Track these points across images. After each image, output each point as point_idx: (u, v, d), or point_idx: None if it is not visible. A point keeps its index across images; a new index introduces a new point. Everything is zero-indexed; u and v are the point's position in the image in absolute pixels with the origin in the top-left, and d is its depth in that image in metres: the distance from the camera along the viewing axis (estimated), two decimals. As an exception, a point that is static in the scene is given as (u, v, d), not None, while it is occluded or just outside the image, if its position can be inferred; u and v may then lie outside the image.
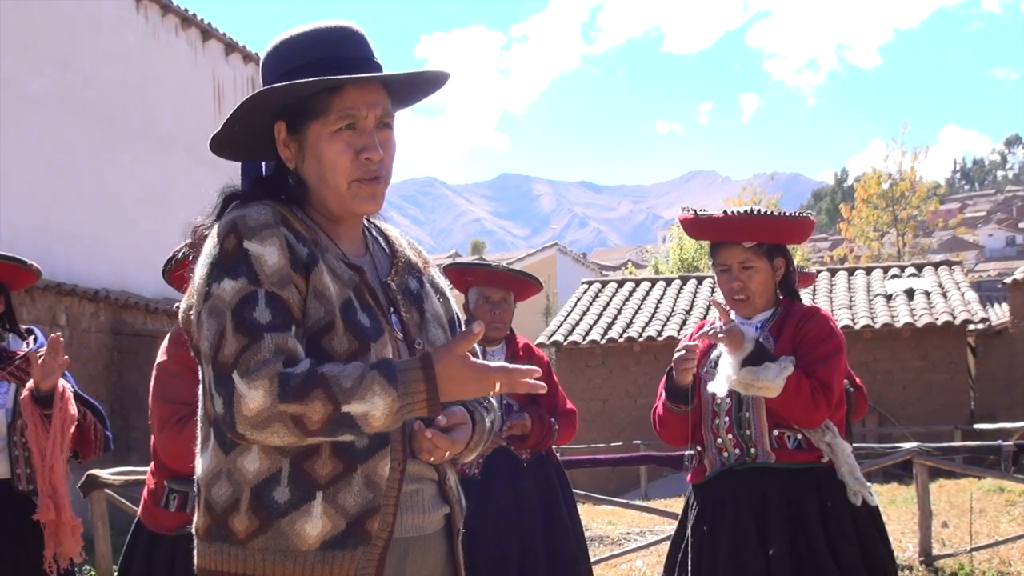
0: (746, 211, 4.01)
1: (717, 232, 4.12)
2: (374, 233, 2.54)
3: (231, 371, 2.11)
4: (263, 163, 2.49)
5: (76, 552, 4.67)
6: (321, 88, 2.29)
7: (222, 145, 2.42)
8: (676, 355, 4.04)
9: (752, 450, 3.97)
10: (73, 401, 4.61)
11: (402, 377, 2.14)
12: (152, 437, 4.24)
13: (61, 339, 4.50)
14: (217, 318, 2.16)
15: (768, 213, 4.01)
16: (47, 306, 13.82)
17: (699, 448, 4.15)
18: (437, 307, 2.51)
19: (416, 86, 2.46)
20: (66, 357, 4.50)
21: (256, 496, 2.20)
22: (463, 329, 2.56)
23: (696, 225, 4.15)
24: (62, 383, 4.55)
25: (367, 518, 2.21)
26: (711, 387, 3.97)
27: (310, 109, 2.31)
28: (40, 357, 4.47)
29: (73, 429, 4.59)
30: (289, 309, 2.19)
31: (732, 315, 4.08)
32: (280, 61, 2.35)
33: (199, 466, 2.32)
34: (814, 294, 20.99)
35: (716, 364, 4.07)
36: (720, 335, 3.88)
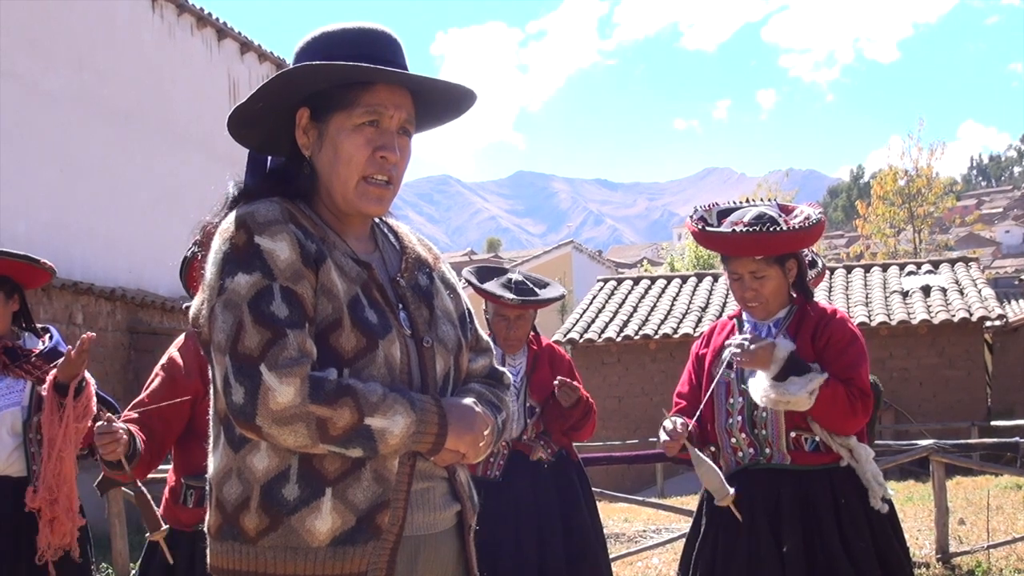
0: (752, 229, 3.94)
1: (726, 247, 4.11)
2: (384, 230, 2.55)
3: (258, 363, 2.12)
4: (269, 159, 2.49)
5: (68, 544, 4.63)
6: (354, 79, 2.30)
7: (240, 123, 2.41)
8: (663, 437, 4.08)
9: (767, 450, 3.98)
10: (95, 398, 4.61)
11: (419, 405, 2.22)
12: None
13: (91, 335, 4.53)
14: (233, 311, 2.17)
15: (774, 229, 3.94)
16: (64, 305, 13.87)
17: (713, 448, 4.14)
18: (447, 303, 2.51)
19: (442, 103, 2.48)
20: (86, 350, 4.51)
21: (266, 494, 2.20)
22: (474, 324, 2.58)
23: (703, 239, 4.13)
24: (88, 377, 4.56)
25: (377, 512, 2.21)
26: (752, 394, 3.93)
27: (337, 100, 2.33)
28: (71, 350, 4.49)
29: (89, 424, 4.59)
30: (303, 305, 2.20)
31: (747, 329, 4.11)
32: (317, 51, 2.36)
33: (211, 465, 2.33)
34: (830, 291, 20.94)
35: (728, 364, 4.07)
36: (740, 359, 3.87)
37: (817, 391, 3.79)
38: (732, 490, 3.95)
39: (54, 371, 4.53)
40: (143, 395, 4.11)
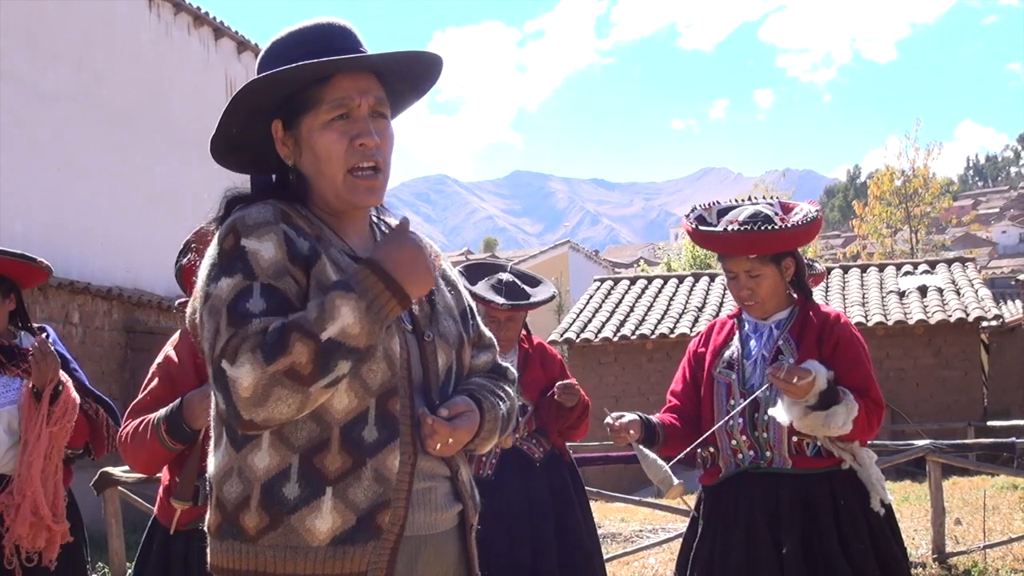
0: (746, 227, 3.95)
1: (719, 246, 4.13)
2: (383, 229, 2.54)
3: (220, 362, 2.11)
4: (272, 176, 2.48)
5: (38, 545, 4.55)
6: (310, 78, 2.29)
7: (223, 151, 2.42)
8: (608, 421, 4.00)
9: (768, 454, 3.97)
10: (75, 398, 4.61)
11: (354, 280, 2.16)
12: None
13: (40, 338, 4.56)
14: (214, 317, 2.16)
15: (768, 228, 3.94)
16: (60, 304, 13.86)
17: (712, 449, 4.13)
18: (448, 299, 2.51)
19: (409, 75, 2.46)
20: (54, 353, 4.53)
21: (266, 493, 2.20)
22: (476, 320, 2.58)
23: (698, 238, 4.15)
24: (64, 377, 4.57)
25: (377, 512, 2.21)
26: (771, 411, 3.88)
27: (302, 103, 2.32)
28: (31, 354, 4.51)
29: (70, 426, 4.59)
30: (285, 298, 2.18)
31: (747, 329, 4.10)
32: (270, 62, 2.35)
33: (211, 464, 2.33)
34: (827, 291, 20.94)
35: (730, 365, 4.08)
36: (785, 383, 3.72)
37: (853, 423, 3.79)
38: (679, 481, 3.82)
39: (30, 379, 4.55)
40: (143, 395, 4.10)
